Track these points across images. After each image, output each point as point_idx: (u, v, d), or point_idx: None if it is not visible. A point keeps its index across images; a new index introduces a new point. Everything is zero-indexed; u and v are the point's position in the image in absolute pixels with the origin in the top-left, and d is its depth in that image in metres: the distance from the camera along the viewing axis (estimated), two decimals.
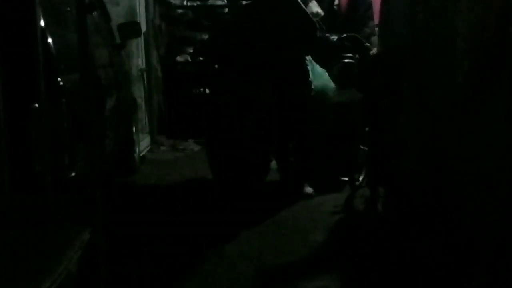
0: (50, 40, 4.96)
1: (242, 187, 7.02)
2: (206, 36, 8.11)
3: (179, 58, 8.91)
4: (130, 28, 7.96)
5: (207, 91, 8.13)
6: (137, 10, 9.76)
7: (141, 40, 9.66)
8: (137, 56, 9.73)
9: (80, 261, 4.13)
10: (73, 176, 4.99)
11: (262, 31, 6.96)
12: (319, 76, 7.27)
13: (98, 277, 4.13)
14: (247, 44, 6.97)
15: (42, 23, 4.78)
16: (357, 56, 6.81)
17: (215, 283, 4.79)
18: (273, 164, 7.33)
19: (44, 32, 4.80)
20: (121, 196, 7.00)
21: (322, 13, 8.19)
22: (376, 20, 7.69)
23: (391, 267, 4.73)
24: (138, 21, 8.86)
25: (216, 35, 7.72)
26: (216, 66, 7.41)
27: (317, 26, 7.15)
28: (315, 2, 8.26)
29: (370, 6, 8.45)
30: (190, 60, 9.69)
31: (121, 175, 7.73)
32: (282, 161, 7.20)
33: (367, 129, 6.36)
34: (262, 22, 7.00)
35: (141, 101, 9.45)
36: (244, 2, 9.50)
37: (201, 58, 9.48)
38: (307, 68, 7.10)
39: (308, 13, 7.20)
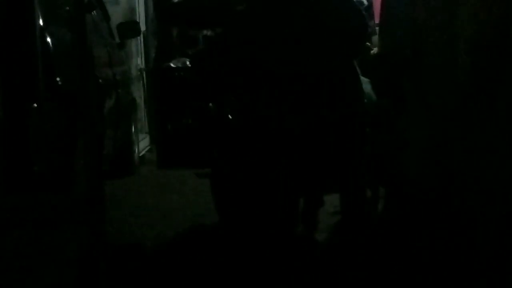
0: (49, 40, 4.94)
1: (263, 242, 5.17)
2: (211, 33, 6.40)
3: (175, 63, 6.62)
4: (129, 28, 7.95)
5: (213, 106, 6.07)
6: (137, 9, 9.75)
7: (140, 40, 9.64)
8: (137, 55, 9.71)
9: (80, 261, 4.12)
10: (71, 175, 4.98)
11: (293, 25, 4.91)
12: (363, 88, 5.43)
13: (98, 276, 4.12)
14: (273, 46, 4.95)
15: (41, 22, 4.77)
16: None
17: None
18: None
19: (43, 32, 4.78)
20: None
21: (366, 2, 6.87)
22: (377, 20, 7.69)
23: (392, 267, 4.72)
24: (138, 21, 8.85)
25: (229, 31, 5.43)
26: (229, 75, 5.44)
27: (365, 16, 5.38)
28: None
29: (370, 6, 8.43)
30: (191, 65, 6.85)
31: (120, 175, 7.71)
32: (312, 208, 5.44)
33: (367, 129, 6.34)
34: (294, 13, 4.95)
35: (140, 101, 9.42)
36: None
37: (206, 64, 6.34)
38: (359, 80, 5.13)
39: None
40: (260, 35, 4.99)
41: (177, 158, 6.02)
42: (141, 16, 9.83)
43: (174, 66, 5.95)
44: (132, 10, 9.61)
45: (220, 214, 5.56)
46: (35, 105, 4.16)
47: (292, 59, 4.89)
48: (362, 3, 6.44)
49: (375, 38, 7.50)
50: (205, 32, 6.40)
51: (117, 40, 7.87)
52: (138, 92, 9.42)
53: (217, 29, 6.00)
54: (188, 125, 5.96)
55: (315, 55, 4.89)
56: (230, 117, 5.37)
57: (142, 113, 9.60)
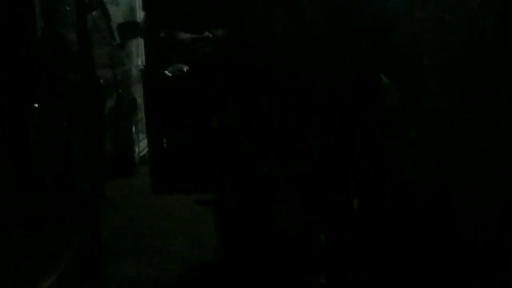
0: (50, 40, 4.96)
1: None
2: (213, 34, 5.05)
3: (170, 70, 5.24)
4: (129, 28, 7.97)
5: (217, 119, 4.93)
6: (137, 10, 9.77)
7: (140, 40, 9.65)
8: (137, 55, 9.73)
9: (80, 260, 4.14)
10: (73, 176, 4.99)
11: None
12: None
13: (98, 276, 4.14)
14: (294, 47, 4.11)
15: (42, 23, 4.78)
16: None
17: None
18: None
19: (44, 32, 4.80)
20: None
21: None
22: None
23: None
24: (138, 21, 8.86)
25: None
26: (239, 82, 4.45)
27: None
28: None
29: None
30: (191, 73, 5.35)
31: (121, 175, 7.72)
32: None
33: None
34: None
35: (141, 101, 9.43)
36: None
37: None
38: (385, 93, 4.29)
39: None
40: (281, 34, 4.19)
41: (174, 182, 5.04)
42: (141, 17, 9.84)
43: (170, 74, 4.82)
44: (132, 10, 9.63)
45: (225, 253, 4.65)
46: (36, 105, 4.17)
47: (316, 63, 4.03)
48: None
49: None
50: (206, 33, 5.13)
51: (118, 40, 7.88)
52: (139, 92, 9.43)
53: (219, 31, 4.92)
54: (187, 142, 4.97)
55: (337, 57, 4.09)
56: (238, 133, 4.38)
57: (142, 113, 9.61)
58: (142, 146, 8.94)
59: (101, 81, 6.25)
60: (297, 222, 4.00)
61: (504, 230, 3.73)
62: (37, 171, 4.58)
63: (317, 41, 4.01)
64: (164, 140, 4.99)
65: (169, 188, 5.06)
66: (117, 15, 8.75)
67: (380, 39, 4.25)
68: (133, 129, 8.20)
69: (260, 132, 4.13)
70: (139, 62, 9.80)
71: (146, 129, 5.41)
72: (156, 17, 5.14)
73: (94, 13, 6.78)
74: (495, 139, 3.82)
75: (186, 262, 5.09)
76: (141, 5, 9.75)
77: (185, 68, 4.96)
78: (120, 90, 7.26)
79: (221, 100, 4.55)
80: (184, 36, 5.10)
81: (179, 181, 4.99)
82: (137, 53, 9.75)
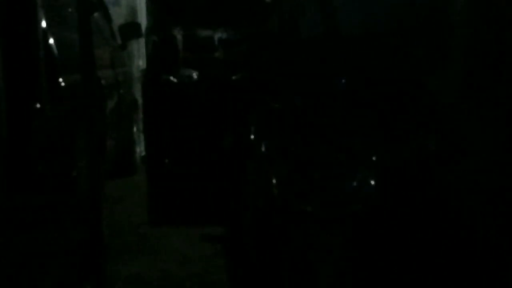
0: (52, 41, 4.98)
1: None
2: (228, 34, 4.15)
3: (176, 76, 4.34)
4: (131, 29, 7.99)
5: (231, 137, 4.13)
6: (138, 10, 9.78)
7: (142, 41, 9.67)
8: (138, 56, 9.74)
9: (80, 260, 4.16)
10: (74, 176, 5.01)
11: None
12: None
13: (99, 276, 4.15)
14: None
15: (44, 24, 4.80)
16: None
17: None
18: None
19: (46, 33, 4.82)
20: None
21: None
22: None
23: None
24: (139, 22, 8.88)
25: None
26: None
27: None
28: None
29: None
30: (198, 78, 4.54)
31: (122, 175, 7.74)
32: None
33: None
34: None
35: (142, 101, 9.44)
36: None
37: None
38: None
39: None
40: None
41: (176, 212, 4.22)
42: (142, 18, 9.85)
43: (175, 81, 4.02)
44: (133, 11, 9.64)
45: None
46: (38, 105, 4.19)
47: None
48: None
49: None
50: (219, 34, 4.25)
51: (119, 41, 7.90)
52: (140, 93, 9.44)
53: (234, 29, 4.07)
54: (193, 164, 4.09)
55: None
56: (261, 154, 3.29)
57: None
58: (143, 146, 8.96)
59: (103, 81, 6.28)
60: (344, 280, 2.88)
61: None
62: (38, 171, 4.60)
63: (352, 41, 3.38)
64: (165, 159, 4.18)
65: (170, 219, 4.30)
66: (118, 16, 8.77)
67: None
68: (134, 129, 8.23)
69: (294, 154, 3.13)
70: (140, 63, 9.81)
71: (145, 146, 4.56)
72: (162, 17, 4.47)
73: (95, 14, 6.80)
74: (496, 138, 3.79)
75: (186, 261, 4.91)
76: (142, 6, 9.78)
77: (195, 75, 4.21)
78: (121, 91, 7.28)
79: (238, 111, 3.70)
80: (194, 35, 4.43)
81: (182, 211, 4.21)
82: (138, 54, 9.77)
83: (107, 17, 7.77)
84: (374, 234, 2.93)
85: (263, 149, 3.33)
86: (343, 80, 3.23)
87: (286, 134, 3.23)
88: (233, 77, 3.79)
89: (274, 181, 3.12)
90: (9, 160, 4.33)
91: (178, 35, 4.32)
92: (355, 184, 2.98)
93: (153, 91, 4.16)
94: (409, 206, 3.02)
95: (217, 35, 4.23)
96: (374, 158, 3.04)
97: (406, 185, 3.05)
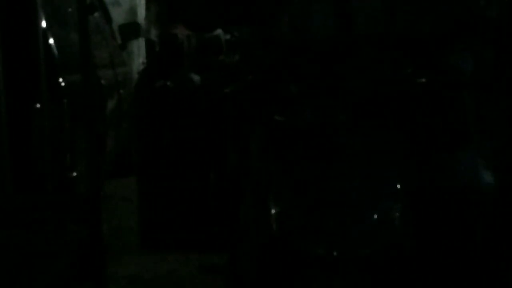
0: (51, 41, 4.98)
1: None
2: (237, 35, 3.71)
3: (175, 82, 3.79)
4: (131, 29, 7.99)
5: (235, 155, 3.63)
6: (138, 10, 9.79)
7: (142, 41, 9.67)
8: (138, 56, 9.75)
9: (80, 260, 4.16)
10: (74, 176, 5.01)
11: None
12: None
13: (99, 276, 4.15)
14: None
15: (44, 24, 4.80)
16: None
17: None
18: None
19: (46, 33, 4.82)
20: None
21: None
22: None
23: None
24: (139, 22, 8.88)
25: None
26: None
27: None
28: None
29: None
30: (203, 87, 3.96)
31: (122, 175, 7.74)
32: None
33: None
34: None
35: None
36: None
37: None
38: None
39: None
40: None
41: (170, 237, 3.80)
42: (142, 18, 9.86)
43: (173, 86, 3.48)
44: (133, 11, 9.65)
45: None
46: (38, 105, 4.19)
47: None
48: None
49: None
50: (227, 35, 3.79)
51: (119, 41, 7.90)
52: None
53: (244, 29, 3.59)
54: (190, 188, 3.64)
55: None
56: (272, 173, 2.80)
57: None
58: None
59: (102, 81, 6.28)
60: None
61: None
62: (38, 171, 4.60)
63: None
64: (159, 179, 3.74)
65: (163, 245, 3.93)
66: (118, 16, 8.77)
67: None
68: None
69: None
70: (140, 63, 9.82)
71: (136, 162, 4.01)
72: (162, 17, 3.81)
73: (95, 14, 6.80)
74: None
75: (187, 261, 4.97)
76: (142, 6, 9.79)
77: (196, 78, 3.74)
78: (121, 91, 7.28)
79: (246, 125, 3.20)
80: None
81: (177, 236, 3.81)
82: (138, 53, 9.77)
83: (107, 17, 7.77)
84: (398, 280, 2.48)
85: (263, 173, 2.85)
86: (361, 91, 2.80)
87: (292, 155, 2.80)
88: (232, 86, 3.30)
89: (273, 211, 2.61)
90: (10, 159, 4.33)
91: (181, 34, 3.82)
92: (375, 218, 2.49)
93: (146, 99, 3.61)
94: (442, 245, 2.60)
95: (224, 36, 3.77)
96: (398, 186, 2.58)
97: (439, 220, 2.64)
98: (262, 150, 2.95)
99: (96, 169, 4.05)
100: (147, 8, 4.40)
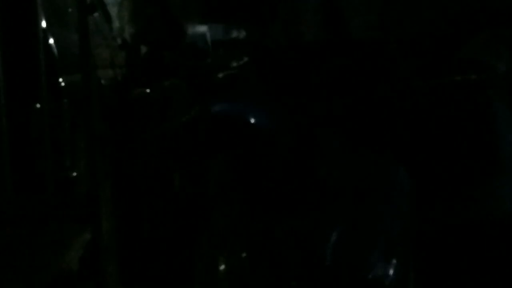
0: (51, 41, 4.98)
1: None
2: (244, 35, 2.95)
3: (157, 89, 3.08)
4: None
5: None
6: None
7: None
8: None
9: (81, 260, 4.16)
10: (74, 176, 5.01)
11: None
12: None
13: (99, 276, 4.16)
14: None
15: (43, 24, 4.80)
16: None
17: None
18: None
19: (45, 33, 4.82)
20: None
21: None
22: None
23: None
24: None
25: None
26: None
27: None
28: None
29: None
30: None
31: None
32: None
33: None
34: None
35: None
36: None
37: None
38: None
39: None
40: None
41: (152, 269, 3.23)
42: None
43: (152, 96, 2.78)
44: None
45: None
46: (38, 105, 4.19)
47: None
48: None
49: None
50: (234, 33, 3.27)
51: (119, 41, 7.90)
52: None
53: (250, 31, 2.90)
54: (173, 210, 3.12)
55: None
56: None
57: None
58: None
59: (103, 81, 6.28)
60: None
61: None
62: (38, 171, 4.60)
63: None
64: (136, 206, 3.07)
65: (144, 279, 3.43)
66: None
67: None
68: None
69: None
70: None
71: (111, 188, 3.35)
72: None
73: (95, 14, 6.80)
74: None
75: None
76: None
77: (182, 87, 2.81)
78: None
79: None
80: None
81: (160, 269, 3.26)
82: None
83: (107, 17, 7.77)
84: None
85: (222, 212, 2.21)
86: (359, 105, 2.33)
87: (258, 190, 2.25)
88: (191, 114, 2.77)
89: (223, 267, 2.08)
90: (9, 160, 4.33)
91: (164, 37, 3.19)
92: (371, 266, 2.00)
93: (119, 111, 2.82)
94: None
95: (212, 37, 3.20)
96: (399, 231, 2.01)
97: (452, 263, 2.12)
98: (223, 183, 2.53)
99: (96, 169, 4.05)
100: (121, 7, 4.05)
